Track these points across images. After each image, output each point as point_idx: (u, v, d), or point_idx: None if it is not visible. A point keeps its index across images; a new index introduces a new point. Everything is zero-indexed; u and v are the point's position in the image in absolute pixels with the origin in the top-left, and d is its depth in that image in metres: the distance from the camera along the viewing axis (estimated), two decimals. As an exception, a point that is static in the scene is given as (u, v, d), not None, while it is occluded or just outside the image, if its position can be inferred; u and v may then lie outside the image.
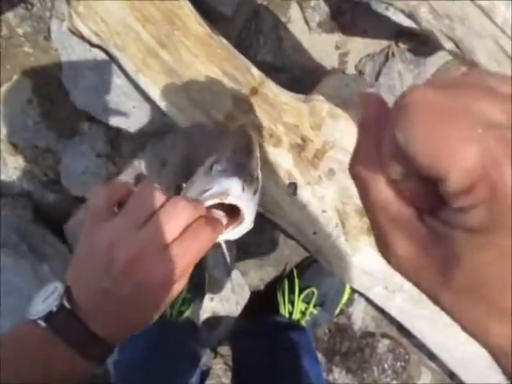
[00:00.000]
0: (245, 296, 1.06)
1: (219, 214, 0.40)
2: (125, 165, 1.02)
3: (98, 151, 1.01)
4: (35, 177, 1.07)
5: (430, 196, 0.19)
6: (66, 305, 0.34)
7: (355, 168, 0.22)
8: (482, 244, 0.18)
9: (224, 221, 0.40)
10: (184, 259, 0.34)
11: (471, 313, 0.20)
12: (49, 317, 0.33)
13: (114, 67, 0.87)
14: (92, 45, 0.80)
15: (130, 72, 0.74)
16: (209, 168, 0.43)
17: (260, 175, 0.50)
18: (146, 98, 0.86)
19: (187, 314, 0.93)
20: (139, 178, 1.04)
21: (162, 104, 0.73)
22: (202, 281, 1.01)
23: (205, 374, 0.99)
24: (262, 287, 1.10)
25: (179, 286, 0.36)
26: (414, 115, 0.18)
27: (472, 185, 0.17)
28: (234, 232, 0.42)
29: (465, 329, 0.21)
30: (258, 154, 0.54)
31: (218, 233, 0.38)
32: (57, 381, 0.34)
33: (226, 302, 1.09)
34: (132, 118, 0.94)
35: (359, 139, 0.22)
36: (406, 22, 0.76)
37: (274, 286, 1.06)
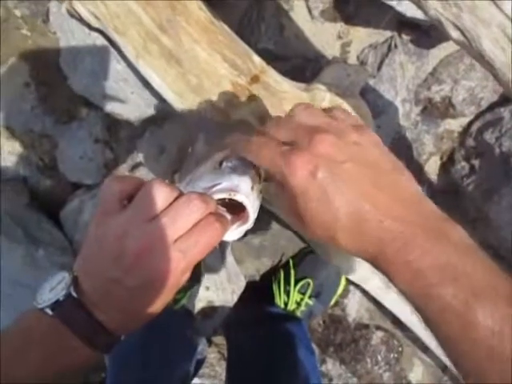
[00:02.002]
0: (240, 286, 1.06)
1: (223, 211, 0.41)
2: (122, 151, 1.01)
3: (96, 137, 1.00)
4: (31, 162, 1.06)
5: None
6: (74, 294, 0.34)
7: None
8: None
9: (228, 217, 0.41)
10: (191, 254, 0.35)
11: (320, 232, 0.34)
12: (56, 306, 0.34)
13: (114, 52, 0.85)
14: (91, 28, 0.79)
15: (130, 57, 0.73)
16: (218, 164, 0.43)
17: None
18: (146, 83, 0.85)
19: (183, 302, 0.93)
20: (136, 167, 1.04)
21: (161, 90, 0.72)
22: (197, 269, 1.00)
23: (200, 363, 0.99)
24: (257, 277, 1.10)
25: (183, 279, 0.36)
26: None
27: (271, 173, 0.36)
28: (237, 232, 0.42)
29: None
30: None
31: (226, 230, 0.39)
32: (64, 369, 0.34)
33: (222, 291, 1.09)
34: (130, 104, 0.93)
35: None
36: (410, 13, 0.76)
37: (269, 277, 1.06)
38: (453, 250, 0.30)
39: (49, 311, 0.34)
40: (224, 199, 0.39)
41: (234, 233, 0.42)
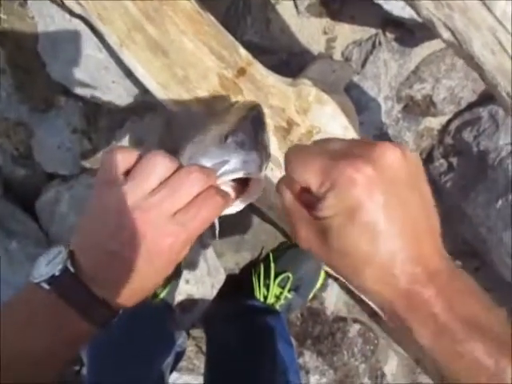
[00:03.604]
0: (220, 279, 1.06)
1: (229, 186, 0.40)
2: (101, 141, 0.99)
3: (74, 127, 0.97)
4: (5, 151, 1.02)
5: (312, 199, 0.31)
6: (70, 268, 0.34)
7: (280, 187, 0.33)
8: (335, 220, 0.29)
9: (232, 194, 0.40)
10: (191, 226, 0.35)
11: (345, 263, 0.30)
12: (52, 280, 0.33)
13: (95, 40, 0.83)
14: (72, 14, 0.76)
15: (113, 45, 0.71)
16: (223, 138, 0.41)
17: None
18: (128, 73, 0.83)
19: (163, 295, 0.92)
20: None
21: (145, 80, 0.71)
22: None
23: (179, 356, 0.99)
24: (237, 271, 1.10)
25: (184, 252, 0.36)
26: (288, 159, 0.32)
27: (322, 182, 0.29)
28: (240, 205, 0.41)
29: (346, 279, 0.31)
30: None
31: (227, 204, 0.38)
32: (63, 343, 0.34)
33: (201, 284, 1.08)
34: (111, 93, 0.91)
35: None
36: (396, 12, 0.77)
37: (249, 270, 1.06)
38: (474, 302, 0.29)
39: (45, 285, 0.33)
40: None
41: (237, 206, 0.41)
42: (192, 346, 1.18)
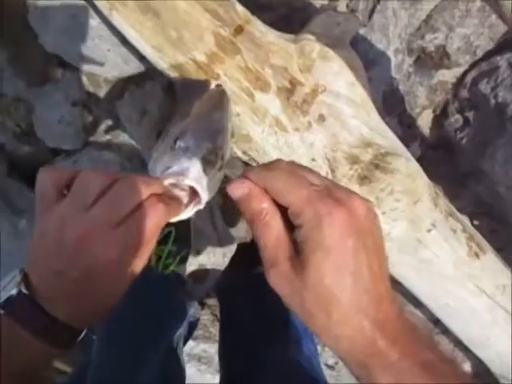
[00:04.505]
0: (231, 248, 1.05)
1: (180, 194, 0.40)
2: (102, 113, 0.97)
3: (73, 99, 0.95)
4: (8, 129, 1.01)
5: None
6: (24, 291, 0.33)
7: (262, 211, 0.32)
8: (310, 252, 0.30)
9: (185, 200, 0.40)
10: (136, 237, 0.34)
11: (318, 300, 0.30)
12: (7, 304, 0.33)
13: (87, 6, 0.79)
14: (59, -21, 0.72)
15: (103, 9, 0.67)
16: (173, 143, 0.42)
17: (229, 147, 0.49)
18: (123, 39, 0.80)
19: (173, 266, 0.91)
20: (118, 136, 0.99)
21: (139, 45, 0.67)
22: (187, 233, 0.99)
23: (193, 326, 0.99)
24: (248, 239, 1.09)
25: (139, 263, 0.35)
26: (274, 179, 0.32)
27: (303, 209, 0.30)
28: (194, 210, 0.41)
29: (314, 320, 0.31)
30: (230, 124, 0.54)
31: (174, 211, 0.38)
32: (20, 368, 0.33)
33: (213, 254, 1.08)
34: (108, 62, 0.88)
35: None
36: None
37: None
38: (425, 346, 0.31)
39: (0, 310, 0.33)
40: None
41: (191, 212, 0.41)
42: (208, 315, 1.19)
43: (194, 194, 0.40)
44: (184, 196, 0.40)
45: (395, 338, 0.30)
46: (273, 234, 0.31)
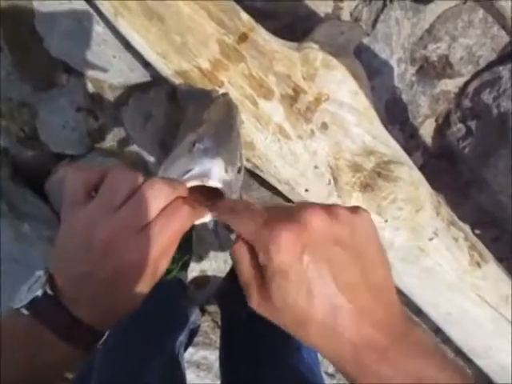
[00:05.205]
0: (233, 254, 1.04)
1: (200, 197, 0.40)
2: (107, 119, 0.97)
3: (78, 105, 0.95)
4: (12, 133, 1.01)
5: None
6: (49, 292, 0.33)
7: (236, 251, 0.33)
8: (269, 279, 0.30)
9: (207, 202, 0.40)
10: (161, 239, 0.34)
11: (289, 320, 0.30)
12: (32, 305, 0.33)
13: (92, 12, 0.80)
14: (66, -15, 0.73)
15: (108, 15, 0.68)
16: (191, 145, 0.42)
17: (243, 151, 0.50)
18: (127, 45, 0.80)
19: (175, 272, 0.91)
20: (123, 143, 1.00)
21: (144, 50, 0.68)
22: (189, 239, 0.98)
23: (193, 332, 0.99)
24: (250, 246, 1.08)
25: (162, 265, 0.36)
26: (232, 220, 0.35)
27: (253, 242, 0.31)
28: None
29: (294, 334, 0.31)
30: (241, 130, 0.54)
31: (199, 213, 0.38)
32: (45, 369, 0.34)
33: (214, 260, 1.08)
34: (113, 68, 0.88)
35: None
36: (407, -36, 0.71)
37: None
38: (424, 363, 0.29)
39: (25, 311, 0.33)
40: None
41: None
42: (208, 321, 1.19)
43: (215, 196, 0.40)
44: (203, 200, 0.40)
45: (384, 352, 0.29)
46: (244, 267, 0.32)
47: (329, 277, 0.29)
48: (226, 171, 0.40)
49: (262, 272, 0.31)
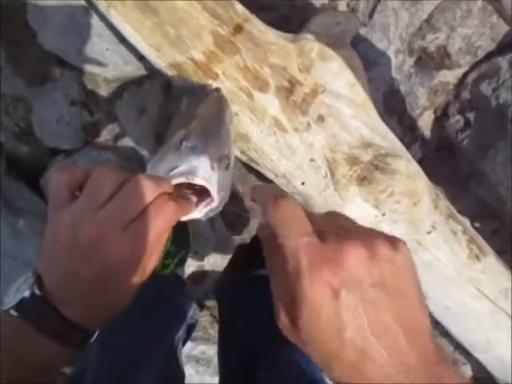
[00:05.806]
0: (230, 249, 1.04)
1: (187, 193, 0.40)
2: (102, 113, 0.96)
3: (72, 99, 0.94)
4: (6, 128, 1.01)
5: None
6: (37, 292, 0.33)
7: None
8: (298, 309, 0.28)
9: (194, 199, 0.40)
10: (148, 235, 0.34)
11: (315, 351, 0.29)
12: (20, 306, 0.33)
13: (85, 4, 0.79)
14: (57, -23, 0.72)
15: (101, 7, 0.67)
16: (179, 143, 0.42)
17: (233, 147, 0.51)
18: (121, 38, 0.79)
19: (172, 267, 0.90)
20: (117, 136, 0.99)
21: (137, 43, 0.67)
22: (186, 234, 0.98)
23: (191, 327, 0.98)
24: (247, 240, 1.08)
25: (150, 262, 0.35)
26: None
27: (287, 261, 0.28)
28: (205, 210, 0.41)
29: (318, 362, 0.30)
30: (231, 126, 0.55)
31: (185, 209, 0.38)
32: (34, 369, 0.34)
33: (212, 255, 1.07)
34: (107, 61, 0.87)
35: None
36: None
37: (259, 239, 1.04)
38: None
39: (13, 312, 0.33)
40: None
41: (202, 211, 0.41)
42: (206, 316, 1.18)
43: (202, 193, 0.40)
44: (191, 196, 0.40)
45: None
46: (279, 288, 0.30)
47: (363, 319, 0.27)
48: (213, 168, 0.40)
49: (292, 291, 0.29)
